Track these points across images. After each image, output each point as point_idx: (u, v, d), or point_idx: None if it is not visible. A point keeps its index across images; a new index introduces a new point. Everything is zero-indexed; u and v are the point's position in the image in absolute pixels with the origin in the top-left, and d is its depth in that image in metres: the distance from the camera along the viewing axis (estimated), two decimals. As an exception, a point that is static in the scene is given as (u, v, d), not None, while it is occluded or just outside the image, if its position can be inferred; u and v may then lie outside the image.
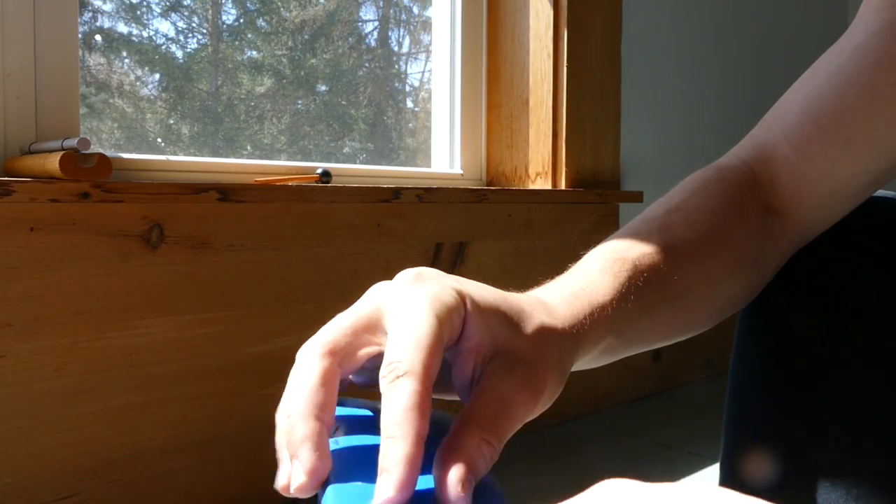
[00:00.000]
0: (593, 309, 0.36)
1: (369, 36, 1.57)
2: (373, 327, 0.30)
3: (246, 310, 1.07)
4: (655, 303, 0.39)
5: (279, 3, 1.40)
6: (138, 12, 1.24)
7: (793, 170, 0.44)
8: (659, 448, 1.42)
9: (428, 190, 1.25)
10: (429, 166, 1.57)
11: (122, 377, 0.96)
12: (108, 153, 1.03)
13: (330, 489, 0.27)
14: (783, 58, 2.11)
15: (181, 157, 1.17)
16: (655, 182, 1.71)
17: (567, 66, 1.49)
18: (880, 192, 0.48)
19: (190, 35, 1.31)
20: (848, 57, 0.42)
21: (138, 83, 1.27)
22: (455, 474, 0.26)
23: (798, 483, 0.45)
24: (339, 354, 0.29)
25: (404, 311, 0.29)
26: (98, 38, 1.21)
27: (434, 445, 0.28)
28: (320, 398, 0.28)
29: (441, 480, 0.27)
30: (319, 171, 1.21)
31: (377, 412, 0.30)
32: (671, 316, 0.41)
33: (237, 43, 1.37)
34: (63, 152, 0.87)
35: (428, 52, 1.61)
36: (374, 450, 0.27)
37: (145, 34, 1.25)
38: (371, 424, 0.32)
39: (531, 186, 1.53)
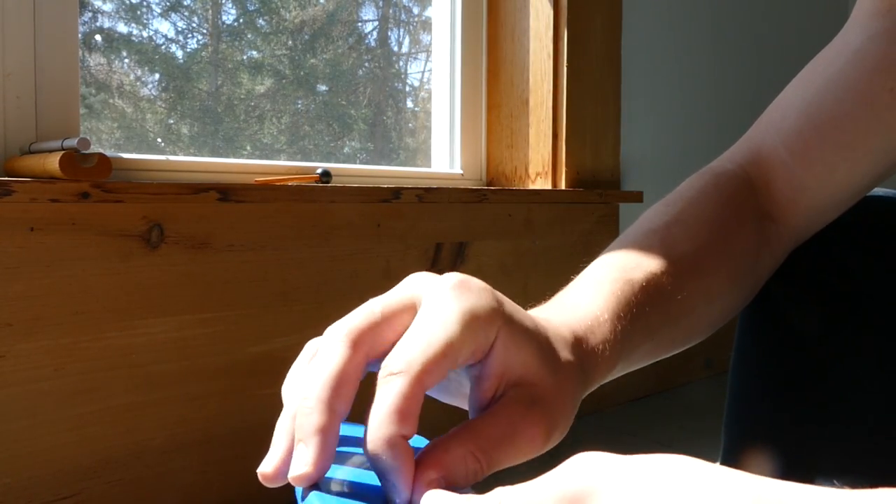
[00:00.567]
0: (605, 344, 0.35)
1: (369, 36, 1.57)
2: (404, 316, 0.30)
3: (246, 310, 1.07)
4: (659, 325, 0.39)
5: (279, 3, 1.40)
6: (138, 12, 1.24)
7: (791, 175, 0.44)
8: (658, 448, 1.42)
9: (428, 190, 1.25)
10: (429, 166, 1.57)
11: (122, 377, 0.96)
12: (108, 153, 1.03)
13: (313, 495, 0.26)
14: (783, 58, 2.11)
15: (181, 157, 1.17)
16: (655, 182, 1.71)
17: (567, 66, 1.49)
18: (879, 191, 0.48)
19: (190, 35, 1.31)
20: (846, 61, 0.42)
21: (138, 83, 1.27)
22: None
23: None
24: (366, 344, 0.29)
25: (434, 310, 0.29)
26: (98, 38, 1.21)
27: None
28: (342, 389, 0.27)
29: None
30: (319, 171, 1.21)
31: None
32: (672, 336, 0.41)
33: (237, 43, 1.37)
34: (63, 152, 0.87)
35: (428, 52, 1.61)
36: (366, 474, 0.27)
37: (145, 34, 1.25)
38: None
39: (531, 186, 1.53)
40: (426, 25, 1.61)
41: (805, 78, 0.45)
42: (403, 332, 0.29)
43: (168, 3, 1.26)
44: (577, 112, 1.52)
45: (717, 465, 0.22)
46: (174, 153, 1.26)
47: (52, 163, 0.87)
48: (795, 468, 0.45)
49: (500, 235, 1.40)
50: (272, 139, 1.42)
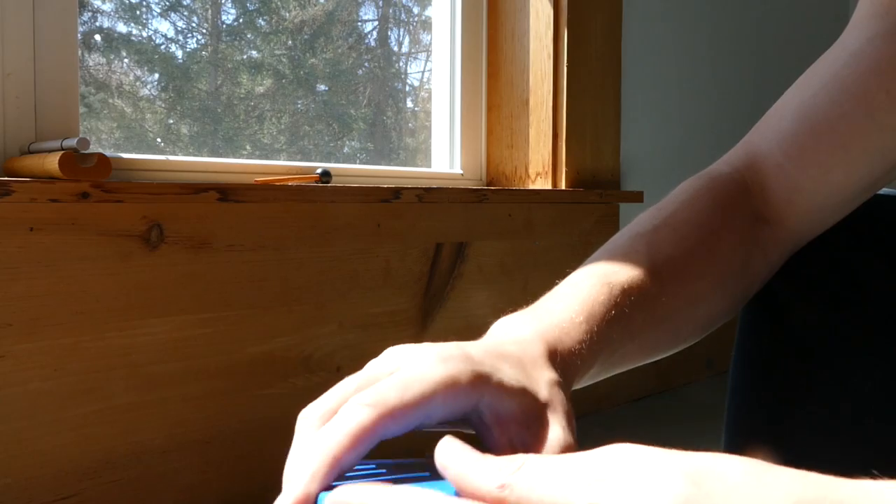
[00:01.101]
0: (581, 345, 0.36)
1: (369, 36, 1.57)
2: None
3: (246, 310, 1.07)
4: (642, 327, 0.40)
5: (279, 3, 1.40)
6: (138, 12, 1.23)
7: (785, 178, 0.44)
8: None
9: (428, 190, 1.24)
10: (429, 166, 1.57)
11: (122, 377, 0.96)
12: (108, 153, 1.03)
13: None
14: (783, 58, 2.11)
15: (181, 157, 1.17)
16: (655, 182, 1.71)
17: (567, 66, 1.49)
18: (884, 190, 0.48)
19: (189, 35, 1.31)
20: (843, 64, 0.42)
21: (138, 83, 1.27)
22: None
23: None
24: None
25: (416, 369, 0.29)
26: (98, 37, 1.21)
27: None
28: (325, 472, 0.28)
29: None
30: (319, 171, 1.21)
31: (387, 467, 0.30)
32: (656, 338, 0.42)
33: (237, 43, 1.37)
34: (62, 152, 0.87)
35: (428, 51, 1.61)
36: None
37: (145, 34, 1.25)
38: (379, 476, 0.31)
39: (531, 186, 1.53)
40: (426, 25, 1.61)
41: (804, 81, 0.45)
42: None
43: (167, 3, 1.26)
44: (577, 112, 1.52)
45: (752, 460, 0.22)
46: (174, 153, 1.26)
47: (52, 163, 0.87)
48: (796, 466, 0.45)
49: (500, 235, 1.40)
50: (272, 139, 1.41)
